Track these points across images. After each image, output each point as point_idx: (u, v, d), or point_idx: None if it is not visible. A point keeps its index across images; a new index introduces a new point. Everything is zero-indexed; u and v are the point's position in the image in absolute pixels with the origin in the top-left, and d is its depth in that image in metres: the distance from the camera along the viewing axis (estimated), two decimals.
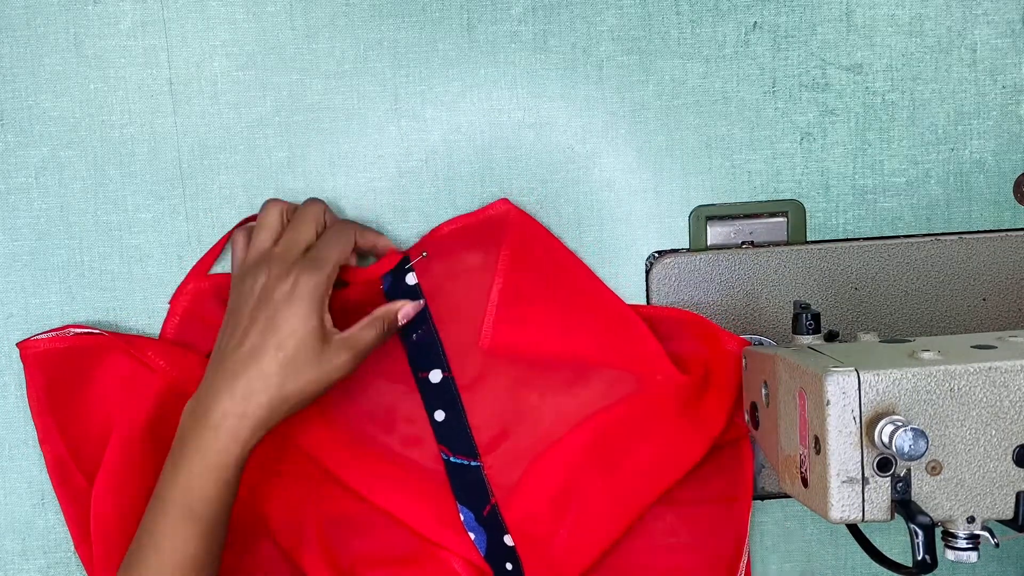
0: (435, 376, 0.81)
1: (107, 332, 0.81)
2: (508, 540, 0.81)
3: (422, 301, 0.80)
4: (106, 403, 0.81)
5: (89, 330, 0.81)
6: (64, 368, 0.81)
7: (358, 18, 0.82)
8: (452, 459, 0.81)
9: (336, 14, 0.81)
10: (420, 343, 0.81)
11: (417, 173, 0.83)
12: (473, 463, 0.81)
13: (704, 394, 0.80)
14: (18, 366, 0.82)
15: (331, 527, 0.81)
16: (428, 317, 0.81)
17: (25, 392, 0.82)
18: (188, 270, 0.82)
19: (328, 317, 0.75)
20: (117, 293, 0.83)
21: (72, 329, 0.81)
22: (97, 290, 0.83)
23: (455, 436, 0.81)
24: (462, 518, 0.81)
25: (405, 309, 0.79)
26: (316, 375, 0.74)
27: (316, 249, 0.76)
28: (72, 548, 0.84)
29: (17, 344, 0.81)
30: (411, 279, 0.80)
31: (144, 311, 0.83)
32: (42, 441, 0.81)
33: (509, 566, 0.81)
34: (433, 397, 0.81)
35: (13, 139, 0.81)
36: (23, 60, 0.81)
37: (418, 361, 0.81)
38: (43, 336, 0.81)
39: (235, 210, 0.82)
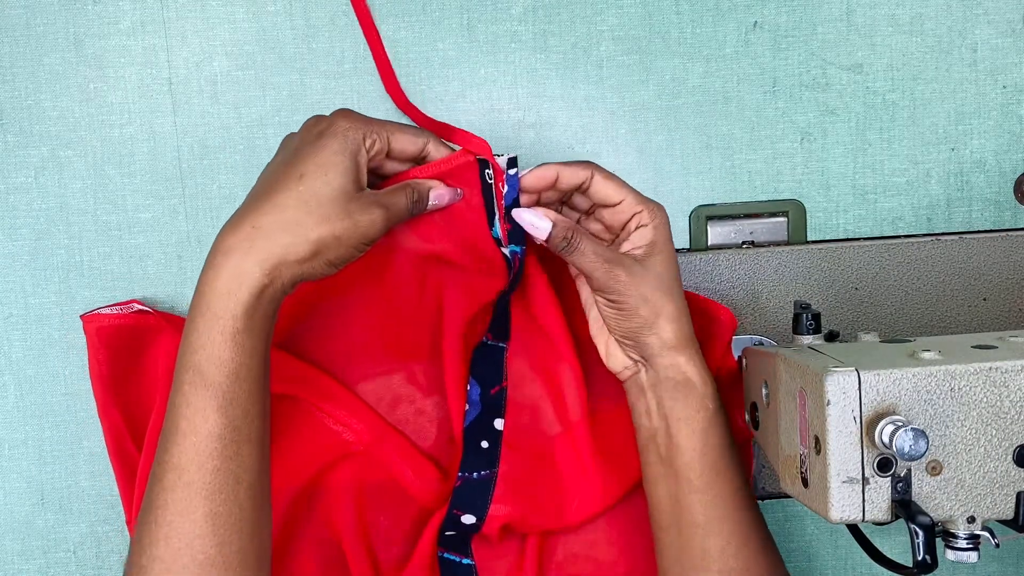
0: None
1: (161, 313, 0.80)
2: (498, 424, 0.80)
3: (460, 191, 0.72)
4: (157, 382, 0.80)
5: (145, 308, 0.80)
6: (124, 343, 0.80)
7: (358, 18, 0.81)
8: (488, 341, 0.80)
9: (336, 14, 0.81)
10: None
11: None
12: (501, 344, 0.80)
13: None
14: (17, 366, 0.83)
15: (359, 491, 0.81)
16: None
17: (23, 392, 0.82)
18: (187, 270, 0.82)
19: (364, 173, 0.66)
20: (117, 293, 0.83)
21: (135, 305, 0.80)
22: (97, 290, 0.83)
23: (494, 322, 0.80)
24: (468, 388, 0.80)
25: (439, 191, 0.70)
26: (344, 225, 0.63)
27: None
28: (72, 548, 0.84)
29: (81, 316, 0.80)
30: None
31: None
32: (101, 414, 0.79)
33: (485, 444, 0.80)
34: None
35: (13, 139, 0.81)
36: (23, 60, 0.81)
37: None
38: (106, 311, 0.80)
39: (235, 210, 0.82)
